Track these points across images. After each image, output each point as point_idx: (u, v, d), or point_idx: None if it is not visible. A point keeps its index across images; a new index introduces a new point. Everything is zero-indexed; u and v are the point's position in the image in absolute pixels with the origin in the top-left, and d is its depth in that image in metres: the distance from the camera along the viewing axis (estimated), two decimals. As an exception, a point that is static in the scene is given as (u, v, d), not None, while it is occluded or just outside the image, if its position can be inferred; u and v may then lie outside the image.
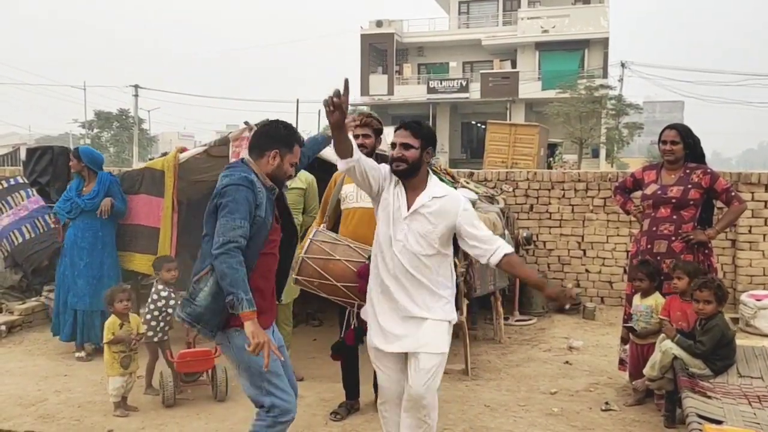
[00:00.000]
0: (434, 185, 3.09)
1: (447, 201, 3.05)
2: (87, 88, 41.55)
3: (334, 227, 4.20)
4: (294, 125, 3.07)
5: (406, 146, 3.03)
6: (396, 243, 3.02)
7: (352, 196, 4.06)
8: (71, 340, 5.57)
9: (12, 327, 6.21)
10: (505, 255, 2.98)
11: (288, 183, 3.89)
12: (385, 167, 3.13)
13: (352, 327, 3.93)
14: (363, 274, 3.67)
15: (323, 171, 4.67)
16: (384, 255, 3.08)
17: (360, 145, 4.06)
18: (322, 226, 4.19)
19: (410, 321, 3.05)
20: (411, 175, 3.06)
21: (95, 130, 38.83)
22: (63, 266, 5.60)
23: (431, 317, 3.04)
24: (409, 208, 3.04)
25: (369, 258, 3.72)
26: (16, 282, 6.80)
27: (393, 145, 3.09)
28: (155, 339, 4.59)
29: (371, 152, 4.07)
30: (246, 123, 5.02)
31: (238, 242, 2.68)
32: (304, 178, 4.84)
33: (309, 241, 3.74)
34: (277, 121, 3.03)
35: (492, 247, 3.00)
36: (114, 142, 38.63)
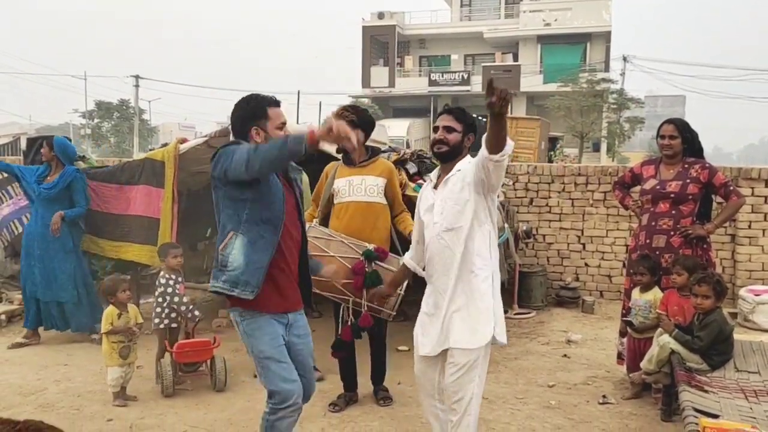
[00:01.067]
0: (463, 161, 3.08)
1: (467, 164, 3.05)
2: (87, 78, 41.53)
3: (325, 220, 4.17)
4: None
5: (449, 129, 3.07)
6: (434, 226, 3.02)
7: (345, 191, 4.02)
8: (36, 327, 5.62)
9: (12, 316, 6.23)
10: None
11: None
12: (418, 210, 3.17)
13: (349, 323, 3.94)
14: (358, 271, 3.67)
15: (318, 163, 4.64)
16: (429, 244, 3.04)
17: None
18: (314, 221, 4.16)
19: (446, 314, 2.96)
20: (451, 158, 3.08)
21: (96, 120, 38.71)
22: (23, 254, 5.65)
23: (468, 304, 2.93)
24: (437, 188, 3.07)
25: (363, 254, 3.72)
26: (16, 272, 6.80)
27: (435, 129, 3.12)
28: (161, 326, 4.60)
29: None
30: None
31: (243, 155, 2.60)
32: None
33: None
34: (239, 102, 2.90)
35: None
36: (114, 132, 38.52)
